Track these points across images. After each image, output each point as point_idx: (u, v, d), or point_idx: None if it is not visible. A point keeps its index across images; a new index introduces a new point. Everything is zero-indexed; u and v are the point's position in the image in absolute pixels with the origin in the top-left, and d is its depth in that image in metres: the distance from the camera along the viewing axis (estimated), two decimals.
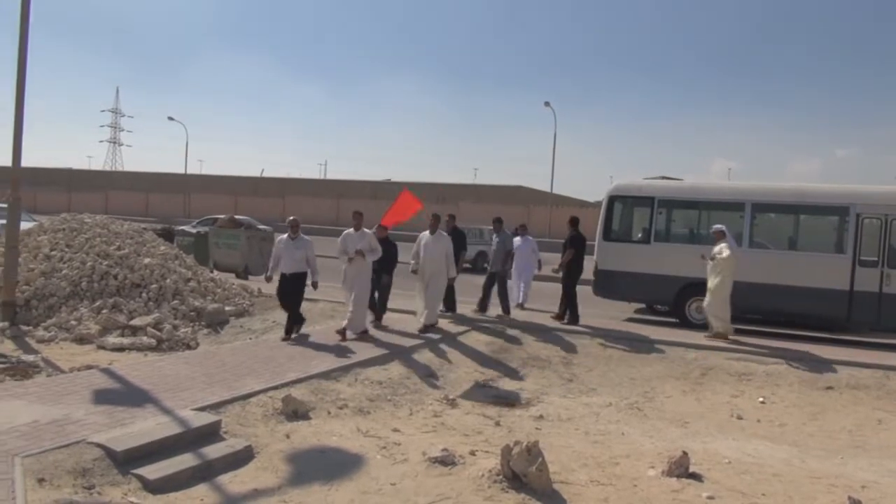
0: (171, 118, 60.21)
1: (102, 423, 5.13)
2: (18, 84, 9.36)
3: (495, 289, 11.57)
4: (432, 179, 56.12)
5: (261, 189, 54.11)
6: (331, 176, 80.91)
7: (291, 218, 9.58)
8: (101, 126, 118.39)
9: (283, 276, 9.24)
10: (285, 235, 9.35)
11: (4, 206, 16.14)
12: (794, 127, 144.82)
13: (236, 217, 19.34)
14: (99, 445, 4.70)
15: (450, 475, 5.07)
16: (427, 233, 10.27)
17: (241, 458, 5.12)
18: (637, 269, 11.65)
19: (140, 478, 4.50)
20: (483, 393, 7.82)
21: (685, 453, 5.44)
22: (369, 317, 9.75)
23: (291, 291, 9.25)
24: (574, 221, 11.30)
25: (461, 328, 10.22)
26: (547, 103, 40.97)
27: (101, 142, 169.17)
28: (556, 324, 10.73)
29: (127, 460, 4.63)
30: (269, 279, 9.62)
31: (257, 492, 4.61)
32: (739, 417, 7.42)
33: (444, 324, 10.27)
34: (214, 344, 9.22)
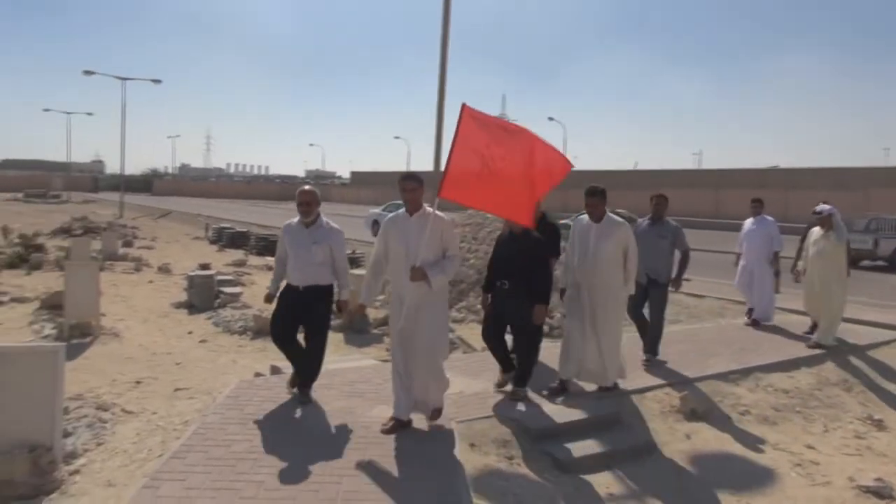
0: (550, 118, 64.12)
1: (512, 400, 5.62)
2: (439, 104, 10.89)
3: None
4: (829, 163, 49.09)
5: (634, 183, 54.04)
6: (706, 166, 76.90)
7: (307, 188, 5.46)
8: None
9: (287, 288, 5.43)
10: (295, 220, 5.48)
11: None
12: None
13: (618, 210, 19.66)
14: (515, 421, 5.18)
15: None
16: (584, 217, 5.96)
17: (641, 451, 5.13)
18: None
19: (551, 456, 4.82)
20: None
21: None
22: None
23: (298, 317, 5.36)
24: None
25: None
26: None
27: None
28: None
29: (539, 437, 5.00)
30: (269, 298, 5.55)
31: (660, 490, 4.57)
32: None
33: (860, 331, 8.81)
34: None
